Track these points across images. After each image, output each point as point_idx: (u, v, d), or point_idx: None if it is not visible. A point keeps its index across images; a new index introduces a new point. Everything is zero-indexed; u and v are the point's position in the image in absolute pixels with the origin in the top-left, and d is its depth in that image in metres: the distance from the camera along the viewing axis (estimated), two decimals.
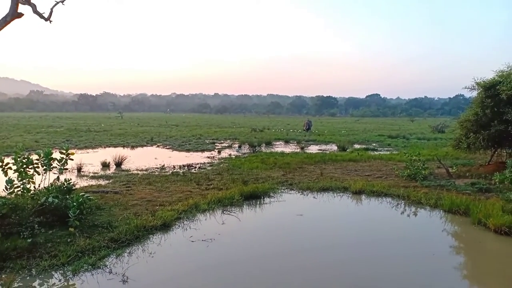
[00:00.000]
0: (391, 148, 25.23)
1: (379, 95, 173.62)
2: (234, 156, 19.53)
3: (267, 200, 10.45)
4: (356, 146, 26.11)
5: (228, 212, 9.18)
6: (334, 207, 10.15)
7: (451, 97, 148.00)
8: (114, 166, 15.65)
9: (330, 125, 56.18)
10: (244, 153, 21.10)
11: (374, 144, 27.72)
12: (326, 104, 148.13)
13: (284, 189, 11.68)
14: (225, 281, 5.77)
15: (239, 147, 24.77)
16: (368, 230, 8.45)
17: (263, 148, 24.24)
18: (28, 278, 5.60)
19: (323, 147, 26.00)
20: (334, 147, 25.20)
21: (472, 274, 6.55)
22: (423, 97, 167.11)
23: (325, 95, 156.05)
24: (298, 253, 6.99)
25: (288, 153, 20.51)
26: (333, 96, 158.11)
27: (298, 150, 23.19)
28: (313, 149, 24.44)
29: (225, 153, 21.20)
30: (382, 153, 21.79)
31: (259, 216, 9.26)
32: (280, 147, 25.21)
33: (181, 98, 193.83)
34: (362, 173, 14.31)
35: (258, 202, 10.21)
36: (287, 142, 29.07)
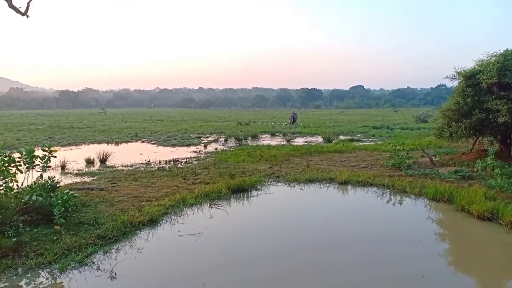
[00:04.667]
0: (375, 139, 25.52)
1: (363, 86, 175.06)
2: (220, 150, 19.49)
3: (254, 193, 10.47)
4: (341, 137, 26.33)
5: (216, 206, 9.18)
6: (320, 198, 10.24)
7: (433, 87, 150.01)
8: (99, 163, 15.45)
9: (315, 117, 56.47)
10: (231, 147, 21.07)
11: (359, 135, 28.00)
12: (311, 96, 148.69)
13: (271, 182, 11.72)
14: (214, 274, 5.78)
15: (225, 141, 24.73)
16: (354, 219, 8.56)
17: (249, 141, 24.25)
18: (14, 277, 5.51)
19: (309, 139, 26.14)
20: (319, 139, 25.36)
21: (457, 259, 6.71)
22: (406, 87, 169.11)
23: (309, 88, 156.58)
24: (286, 243, 7.04)
25: (275, 146, 20.56)
26: (317, 88, 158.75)
27: (284, 143, 23.26)
28: (299, 141, 24.56)
29: (211, 147, 21.14)
30: (367, 144, 22.03)
31: (247, 209, 9.28)
32: (266, 140, 25.25)
33: (165, 92, 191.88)
34: (347, 164, 14.45)
35: (245, 195, 10.22)
36: (273, 135, 29.13)
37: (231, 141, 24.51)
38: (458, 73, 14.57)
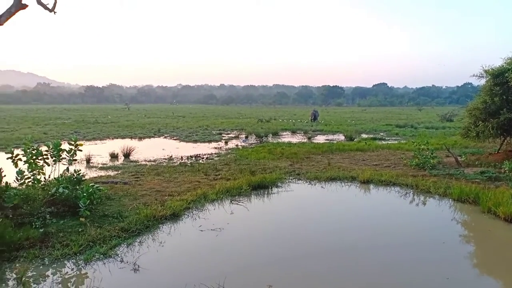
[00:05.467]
0: (399, 138, 25.09)
1: (386, 84, 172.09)
2: (241, 147, 19.56)
3: (274, 190, 10.47)
4: (364, 135, 25.99)
5: (237, 202, 9.22)
6: (342, 197, 10.14)
7: (459, 85, 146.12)
8: (123, 157, 15.75)
9: (337, 115, 55.91)
10: (251, 144, 21.11)
11: (382, 134, 27.58)
12: (332, 93, 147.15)
13: (291, 179, 11.68)
14: (234, 269, 5.82)
15: (246, 137, 24.77)
16: (377, 219, 8.44)
17: (270, 138, 24.24)
18: (41, 267, 5.68)
19: (330, 137, 25.91)
20: (341, 137, 25.11)
21: (483, 262, 6.53)
22: (431, 85, 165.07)
23: (331, 85, 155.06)
24: (307, 244, 7.01)
25: (295, 143, 20.48)
26: (339, 86, 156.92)
27: (305, 140, 23.14)
28: (320, 139, 24.38)
29: (232, 144, 21.23)
30: (390, 142, 21.67)
31: (267, 205, 9.29)
32: (287, 138, 25.17)
33: (187, 89, 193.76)
34: (370, 163, 14.26)
35: (266, 192, 10.23)
36: (294, 132, 29.01)
37: (251, 138, 24.56)
38: (485, 71, 14.15)
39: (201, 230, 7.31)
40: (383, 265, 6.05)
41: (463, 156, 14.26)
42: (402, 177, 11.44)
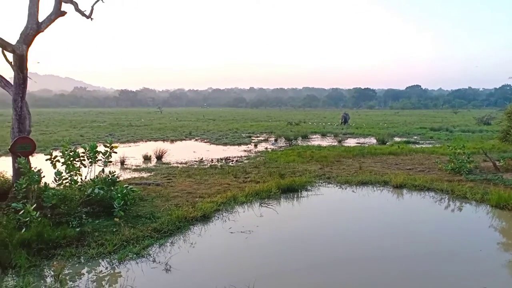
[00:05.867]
0: (433, 141, 24.35)
1: (420, 86, 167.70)
2: (270, 150, 19.56)
3: (304, 193, 10.40)
4: (396, 139, 25.41)
5: (266, 205, 9.23)
6: (374, 202, 9.94)
7: (497, 87, 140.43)
8: (155, 159, 16.11)
9: (368, 118, 54.94)
10: (280, 147, 21.07)
11: (416, 137, 26.85)
12: (364, 96, 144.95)
13: (321, 183, 11.57)
14: (264, 273, 5.81)
15: (275, 140, 24.76)
16: (410, 225, 8.22)
17: (299, 141, 24.12)
18: (77, 265, 5.89)
19: (362, 140, 25.49)
20: (373, 141, 24.65)
21: None
22: (467, 87, 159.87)
23: (363, 87, 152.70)
24: (337, 247, 6.93)
25: (325, 147, 20.28)
26: (371, 88, 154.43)
27: (336, 144, 22.87)
28: (351, 142, 24.02)
29: (261, 147, 21.27)
30: (424, 146, 21.07)
31: (297, 209, 9.24)
32: (316, 141, 24.96)
33: (217, 92, 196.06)
34: (403, 167, 13.91)
35: (295, 196, 10.18)
36: (323, 135, 28.73)
37: (281, 141, 24.52)
38: None
39: (231, 232, 7.37)
40: (416, 273, 5.88)
41: (502, 161, 13.65)
42: (437, 182, 11.09)
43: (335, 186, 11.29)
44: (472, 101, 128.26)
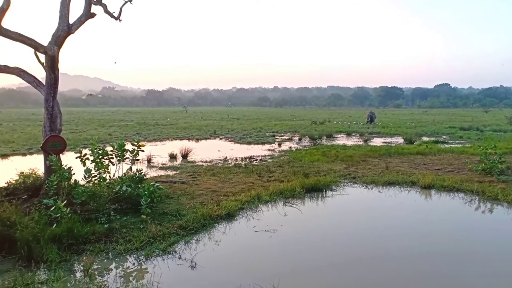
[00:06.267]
0: (463, 141, 23.63)
1: (449, 84, 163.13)
2: (294, 149, 19.48)
3: (329, 193, 10.29)
4: (425, 138, 24.80)
5: (290, 204, 9.19)
6: (401, 202, 9.74)
7: None
8: (181, 158, 16.33)
9: (395, 117, 53.88)
10: (305, 146, 20.94)
11: (444, 137, 26.13)
12: (390, 95, 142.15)
13: (347, 183, 11.42)
14: (288, 272, 5.79)
15: (299, 140, 24.63)
16: (439, 226, 7.99)
17: (324, 141, 23.90)
18: (105, 260, 6.04)
19: (388, 139, 25.01)
20: (400, 140, 24.14)
21: None
22: (498, 86, 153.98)
23: (389, 86, 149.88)
24: (361, 250, 6.82)
25: (351, 146, 20.02)
26: (398, 87, 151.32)
27: (361, 143, 22.54)
28: (377, 142, 23.61)
29: (285, 146, 21.20)
30: (453, 146, 20.48)
31: (321, 209, 9.16)
32: (341, 140, 24.67)
33: (241, 92, 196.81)
34: (431, 167, 13.56)
35: (320, 195, 10.09)
36: (349, 134, 28.36)
37: (305, 140, 24.36)
38: None
39: (255, 231, 7.38)
40: (444, 276, 5.72)
41: None
42: (467, 183, 10.75)
43: (360, 186, 11.12)
44: (504, 100, 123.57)
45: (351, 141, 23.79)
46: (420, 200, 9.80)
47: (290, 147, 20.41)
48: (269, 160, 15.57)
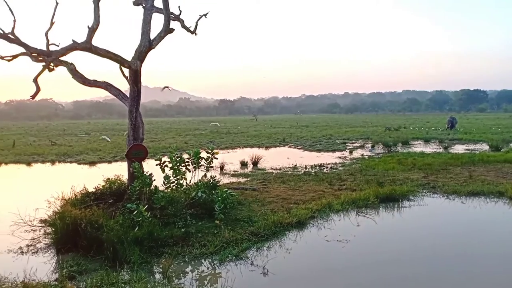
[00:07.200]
0: None
1: None
2: (367, 157, 18.83)
3: (406, 203, 9.78)
4: None
5: (363, 214, 8.89)
6: (487, 215, 8.95)
7: None
8: (251, 165, 16.62)
9: (478, 122, 49.81)
10: (378, 153, 20.16)
11: None
12: (473, 98, 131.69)
13: (425, 192, 10.78)
14: (362, 285, 5.60)
15: (372, 147, 23.76)
16: None
17: (399, 148, 22.78)
18: (182, 263, 6.32)
19: (471, 146, 23.18)
20: (485, 147, 22.24)
21: None
22: None
23: (471, 89, 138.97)
24: (445, 266, 6.36)
25: (429, 153, 18.87)
26: (481, 90, 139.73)
27: (441, 150, 21.14)
28: (458, 149, 21.97)
29: (357, 153, 20.59)
30: None
31: (397, 220, 8.74)
32: (419, 147, 23.35)
33: (310, 99, 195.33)
34: None
35: (395, 205, 9.63)
36: (427, 141, 26.76)
37: (378, 147, 23.43)
38: None
39: (327, 240, 7.24)
40: None
41: None
42: None
43: (441, 196, 10.43)
44: None
45: (429, 148, 22.44)
46: (509, 213, 8.94)
47: (362, 155, 19.78)
48: (340, 168, 15.24)
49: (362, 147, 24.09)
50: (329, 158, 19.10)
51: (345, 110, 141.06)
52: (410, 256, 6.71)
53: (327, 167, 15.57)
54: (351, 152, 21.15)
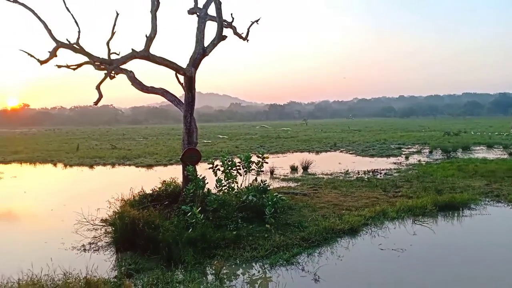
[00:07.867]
0: None
1: None
2: (424, 162, 18.01)
3: (466, 212, 9.24)
4: None
5: (420, 223, 8.51)
6: None
7: None
8: (302, 170, 16.51)
9: None
10: (436, 159, 19.20)
11: None
12: None
13: (488, 201, 10.12)
14: None
15: (430, 152, 22.67)
16: None
17: (459, 153, 21.54)
18: (233, 266, 6.41)
19: None
20: None
21: None
22: None
23: None
24: (508, 278, 5.92)
25: (492, 160, 17.68)
26: None
27: (505, 156, 19.73)
28: None
29: (413, 159, 19.74)
30: None
31: (457, 229, 8.27)
32: (481, 153, 21.94)
33: (363, 102, 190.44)
34: None
35: (455, 214, 9.14)
36: (490, 147, 25.08)
37: (436, 153, 22.30)
38: None
39: (381, 249, 7.02)
40: None
41: None
42: None
43: (506, 205, 9.74)
44: None
45: (492, 154, 21.01)
46: None
47: (419, 161, 18.95)
48: (395, 174, 14.71)
49: (418, 152, 23.08)
50: (383, 163, 18.49)
51: (400, 114, 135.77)
52: (471, 269, 6.32)
53: (381, 173, 15.11)
54: (407, 158, 20.33)
